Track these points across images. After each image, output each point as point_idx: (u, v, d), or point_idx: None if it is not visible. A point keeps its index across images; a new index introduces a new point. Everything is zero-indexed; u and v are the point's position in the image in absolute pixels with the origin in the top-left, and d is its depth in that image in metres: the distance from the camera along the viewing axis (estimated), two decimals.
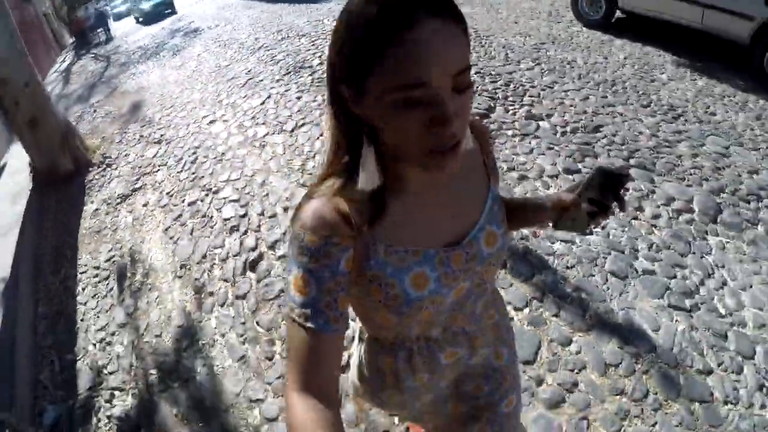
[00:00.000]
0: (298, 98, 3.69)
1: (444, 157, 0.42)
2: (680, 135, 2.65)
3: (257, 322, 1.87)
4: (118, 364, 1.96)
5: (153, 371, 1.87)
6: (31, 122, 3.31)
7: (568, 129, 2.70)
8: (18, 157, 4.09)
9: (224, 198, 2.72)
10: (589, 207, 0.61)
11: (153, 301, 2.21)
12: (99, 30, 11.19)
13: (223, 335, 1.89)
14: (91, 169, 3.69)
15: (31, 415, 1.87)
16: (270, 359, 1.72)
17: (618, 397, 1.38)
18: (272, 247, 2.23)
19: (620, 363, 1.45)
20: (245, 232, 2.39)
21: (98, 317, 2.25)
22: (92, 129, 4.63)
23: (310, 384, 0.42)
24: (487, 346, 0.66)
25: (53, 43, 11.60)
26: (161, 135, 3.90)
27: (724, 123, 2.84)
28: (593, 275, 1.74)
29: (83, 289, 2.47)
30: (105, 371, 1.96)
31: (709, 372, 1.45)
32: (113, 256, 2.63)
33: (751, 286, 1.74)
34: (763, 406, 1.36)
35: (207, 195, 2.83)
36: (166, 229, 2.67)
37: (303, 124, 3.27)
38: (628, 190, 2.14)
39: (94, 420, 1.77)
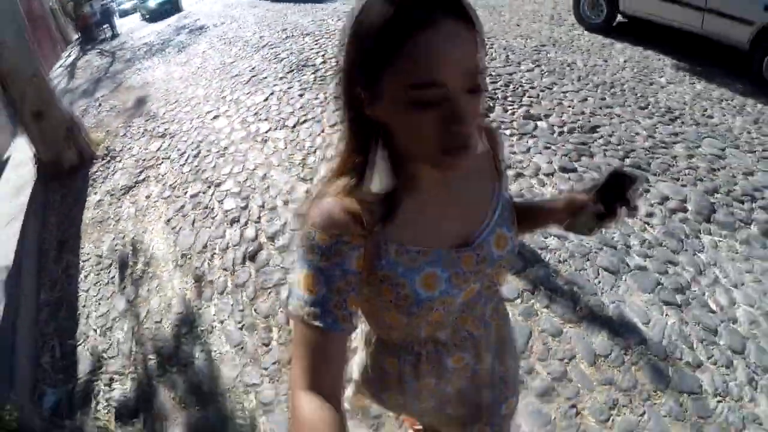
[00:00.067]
0: (301, 95, 3.74)
1: (457, 157, 0.42)
2: (676, 137, 2.69)
3: (255, 310, 1.91)
4: (118, 349, 1.99)
5: (152, 357, 1.91)
6: (37, 114, 3.36)
7: (565, 129, 2.73)
8: (21, 150, 4.13)
9: (226, 191, 2.77)
10: (599, 207, 0.60)
11: (153, 289, 2.25)
12: (104, 26, 11.29)
13: (221, 322, 1.93)
14: (95, 161, 3.74)
15: (31, 399, 1.91)
16: (267, 345, 1.75)
17: (607, 387, 1.41)
18: (272, 238, 2.27)
19: (610, 354, 1.48)
20: (245, 224, 2.43)
21: (99, 304, 2.29)
22: (97, 123, 4.68)
23: (317, 383, 0.42)
24: (493, 353, 0.66)
25: (59, 39, 11.70)
26: (165, 129, 3.95)
27: (721, 126, 2.87)
28: (585, 269, 1.77)
29: (85, 277, 2.51)
30: (105, 356, 1.99)
31: (699, 365, 1.48)
32: (115, 245, 2.67)
33: (743, 284, 1.76)
34: (752, 400, 1.38)
35: (209, 188, 2.87)
36: (168, 220, 2.71)
37: (305, 121, 3.31)
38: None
39: (94, 403, 1.80)
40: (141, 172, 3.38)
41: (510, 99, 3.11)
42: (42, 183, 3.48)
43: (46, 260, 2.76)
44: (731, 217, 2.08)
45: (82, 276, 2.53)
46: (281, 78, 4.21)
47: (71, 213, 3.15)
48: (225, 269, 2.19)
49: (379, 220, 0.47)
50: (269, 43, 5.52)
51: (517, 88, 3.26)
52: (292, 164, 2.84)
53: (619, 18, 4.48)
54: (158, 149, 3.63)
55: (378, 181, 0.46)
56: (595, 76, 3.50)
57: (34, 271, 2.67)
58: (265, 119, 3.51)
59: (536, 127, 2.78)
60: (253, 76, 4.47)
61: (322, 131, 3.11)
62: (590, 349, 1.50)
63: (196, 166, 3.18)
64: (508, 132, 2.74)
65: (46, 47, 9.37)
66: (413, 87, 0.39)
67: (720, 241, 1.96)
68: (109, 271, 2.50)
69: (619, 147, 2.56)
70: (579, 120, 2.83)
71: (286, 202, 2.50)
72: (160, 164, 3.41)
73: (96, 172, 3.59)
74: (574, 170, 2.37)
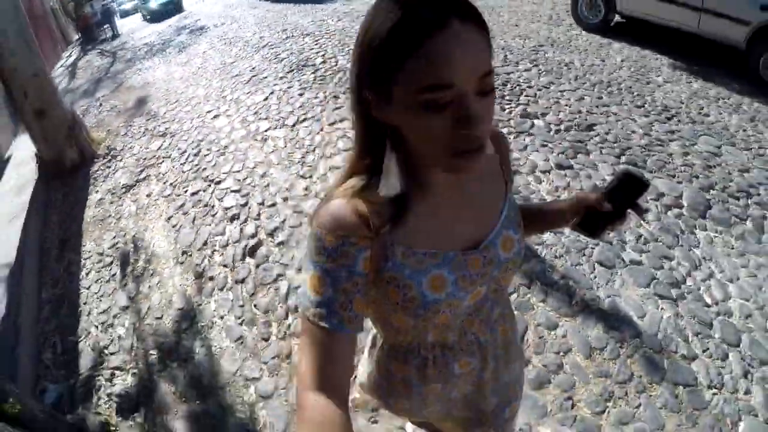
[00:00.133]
0: (301, 95, 3.77)
1: (469, 159, 0.42)
2: (673, 134, 2.71)
3: (255, 305, 1.93)
4: (120, 345, 2.01)
5: (153, 352, 1.92)
6: (39, 113, 3.39)
7: (562, 127, 2.76)
8: (22, 149, 4.16)
9: (226, 188, 2.79)
10: (608, 206, 0.60)
11: (154, 286, 2.27)
12: (105, 26, 11.33)
13: (221, 317, 1.95)
14: (96, 160, 3.77)
15: (32, 395, 1.92)
16: (266, 340, 1.77)
17: (602, 379, 1.43)
18: (271, 234, 2.29)
19: (605, 347, 1.50)
20: (245, 221, 2.45)
21: (101, 301, 2.31)
22: (98, 122, 4.71)
23: (323, 383, 0.42)
24: (499, 358, 0.66)
25: (59, 39, 11.74)
26: (166, 128, 3.98)
27: (717, 124, 2.89)
28: (581, 264, 1.79)
29: (87, 275, 2.53)
30: (106, 352, 2.01)
31: (694, 358, 1.49)
32: (117, 243, 2.69)
33: (738, 279, 1.78)
34: (748, 392, 1.39)
35: (209, 186, 2.89)
36: (169, 218, 2.73)
37: (304, 120, 3.34)
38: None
39: (95, 398, 1.82)
40: (142, 170, 3.40)
41: (507, 98, 3.14)
42: (43, 182, 3.50)
43: (47, 258, 2.78)
44: (726, 213, 2.10)
45: (83, 273, 2.55)
46: (281, 78, 4.24)
47: (73, 211, 3.17)
48: (225, 265, 2.21)
49: (387, 222, 0.47)
50: (269, 44, 5.55)
51: (515, 88, 3.29)
52: (292, 162, 2.87)
53: (617, 18, 4.51)
54: (159, 148, 3.66)
55: (387, 183, 0.46)
56: (593, 75, 3.53)
57: (35, 269, 2.69)
58: (265, 118, 3.53)
59: (533, 125, 2.80)
60: (254, 76, 4.50)
61: (321, 130, 3.14)
62: (586, 342, 1.52)
63: (197, 164, 3.20)
64: (505, 130, 2.76)
65: (47, 47, 9.40)
66: (425, 89, 0.39)
67: (715, 236, 1.98)
68: (111, 269, 2.52)
69: (615, 144, 2.58)
70: (576, 118, 2.85)
71: (285, 199, 2.52)
72: (160, 163, 3.43)
73: (97, 170, 3.62)
74: (571, 167, 2.39)
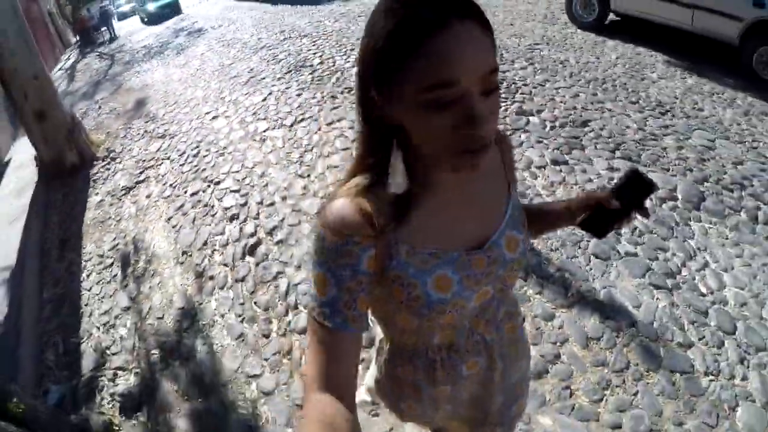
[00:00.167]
0: (299, 95, 3.79)
1: (474, 158, 0.42)
2: (667, 129, 2.74)
3: (255, 303, 1.95)
4: (122, 345, 2.02)
5: (155, 351, 1.94)
6: (39, 115, 3.40)
7: (557, 124, 2.79)
8: (22, 152, 4.18)
9: (225, 189, 2.81)
10: (616, 204, 0.60)
11: (155, 286, 2.28)
12: (103, 29, 11.36)
13: (222, 316, 1.96)
14: (96, 162, 3.78)
15: (35, 395, 1.93)
16: (267, 337, 1.79)
17: (600, 368, 1.45)
18: (270, 233, 2.31)
19: (601, 337, 1.52)
20: (245, 220, 2.47)
21: (102, 302, 2.32)
22: (97, 125, 4.73)
23: (328, 382, 0.43)
24: (506, 358, 0.65)
25: (57, 42, 11.76)
26: (165, 130, 4.00)
27: (711, 118, 2.92)
28: (576, 257, 1.82)
29: (88, 276, 2.54)
30: (108, 352, 2.02)
31: (690, 345, 1.51)
32: (117, 244, 2.70)
33: (732, 268, 1.80)
34: (744, 378, 1.42)
35: (209, 186, 2.91)
36: (169, 219, 2.75)
37: (302, 120, 3.36)
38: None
39: (98, 398, 1.83)
40: (141, 172, 3.41)
41: (503, 96, 3.16)
42: (43, 184, 3.52)
43: (48, 259, 2.79)
44: (720, 204, 2.12)
45: (84, 274, 2.56)
46: (279, 78, 4.27)
47: (73, 213, 3.19)
48: (225, 264, 2.22)
49: (391, 221, 0.47)
50: (267, 45, 5.58)
51: (511, 86, 3.32)
52: (290, 162, 2.89)
53: (613, 16, 4.54)
54: (158, 150, 3.67)
55: (397, 183, 0.47)
56: (587, 72, 3.56)
57: (36, 271, 2.70)
58: (264, 119, 3.56)
59: (528, 122, 2.83)
60: (252, 77, 4.53)
61: (319, 129, 3.16)
62: (582, 332, 1.54)
63: (196, 165, 3.22)
64: (501, 127, 2.78)
65: (45, 50, 9.42)
66: (428, 88, 0.39)
67: (710, 227, 2.00)
68: (111, 270, 2.53)
69: (609, 140, 2.61)
70: (570, 115, 2.88)
71: (284, 198, 2.54)
72: (160, 164, 3.45)
73: (97, 173, 3.63)
74: (566, 163, 2.42)
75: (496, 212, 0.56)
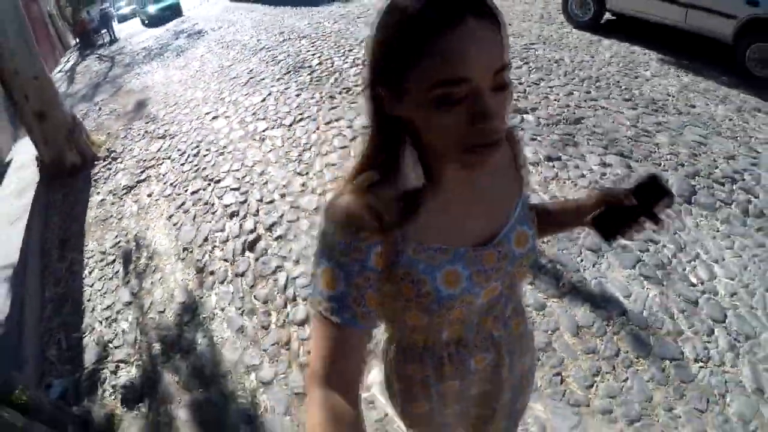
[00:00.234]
0: (298, 95, 3.84)
1: (483, 154, 0.42)
2: (660, 126, 2.78)
3: (254, 296, 1.99)
4: (124, 339, 2.06)
5: (156, 344, 1.97)
6: (40, 115, 3.44)
7: (551, 121, 2.83)
8: (22, 152, 4.22)
9: (225, 187, 2.85)
10: (633, 201, 0.58)
11: (157, 282, 2.32)
12: (103, 31, 11.41)
13: (222, 309, 2.00)
14: (96, 162, 3.83)
15: (38, 390, 1.97)
16: (266, 328, 1.83)
17: (590, 355, 1.48)
18: (269, 229, 2.35)
19: (592, 325, 1.56)
20: (244, 217, 2.51)
21: (104, 297, 2.36)
22: (97, 126, 4.77)
23: (333, 379, 0.42)
24: (513, 354, 0.66)
25: (57, 43, 11.81)
26: (165, 131, 4.04)
27: (703, 114, 2.96)
28: (568, 249, 1.85)
29: (90, 273, 2.58)
30: (111, 346, 2.06)
31: (680, 334, 1.55)
32: (119, 242, 2.74)
33: (723, 259, 1.83)
34: (734, 365, 1.44)
35: (209, 185, 2.95)
36: (170, 217, 2.79)
37: (301, 119, 3.41)
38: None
39: (100, 391, 1.86)
40: (142, 171, 3.46)
41: None
42: (44, 184, 3.56)
43: (50, 258, 2.83)
44: (712, 198, 2.16)
45: (86, 272, 2.60)
46: (278, 79, 4.32)
47: (74, 212, 3.23)
48: (225, 260, 2.26)
49: (399, 217, 0.47)
50: (266, 46, 5.64)
51: None
52: (289, 160, 2.93)
53: (608, 16, 4.59)
54: (159, 150, 3.72)
55: (407, 179, 0.47)
56: (582, 71, 3.60)
57: (38, 269, 2.74)
58: (263, 119, 3.60)
59: (523, 119, 2.87)
60: (251, 78, 4.58)
61: (318, 128, 3.21)
62: (573, 321, 1.57)
63: (196, 164, 3.27)
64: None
65: (45, 52, 9.47)
66: (441, 84, 0.39)
67: (701, 220, 2.04)
68: (113, 267, 2.57)
69: (602, 136, 2.65)
70: (564, 112, 2.92)
71: (283, 196, 2.58)
72: (160, 164, 3.49)
73: (98, 172, 3.68)
74: (559, 159, 2.46)
75: (505, 208, 0.56)
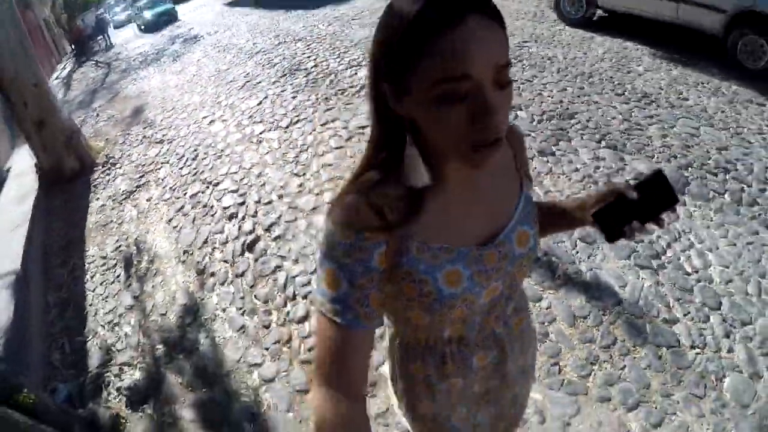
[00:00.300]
0: (294, 98, 3.87)
1: (486, 152, 0.42)
2: (652, 119, 2.81)
3: (255, 296, 2.01)
4: (127, 342, 2.08)
5: (159, 346, 1.99)
6: (39, 122, 3.47)
7: (544, 117, 2.86)
8: (21, 161, 4.24)
9: (224, 189, 2.87)
10: (634, 195, 0.56)
11: (158, 285, 2.34)
12: (99, 38, 11.40)
13: (223, 310, 2.02)
14: (96, 168, 3.85)
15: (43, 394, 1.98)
16: (267, 327, 1.85)
17: (587, 344, 1.51)
18: (268, 229, 2.37)
19: (588, 315, 1.58)
20: (243, 218, 2.53)
21: (106, 302, 2.38)
22: (95, 132, 4.80)
23: (337, 380, 0.42)
24: (515, 350, 0.66)
25: (53, 51, 11.80)
26: (163, 135, 4.06)
27: (695, 107, 3.00)
28: (563, 241, 1.88)
29: (91, 278, 2.60)
30: (114, 349, 2.07)
31: (675, 321, 1.57)
32: (119, 246, 2.76)
33: (717, 248, 1.86)
34: (731, 350, 1.47)
35: (207, 188, 2.97)
36: (170, 220, 2.81)
37: (297, 121, 3.44)
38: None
39: (105, 393, 1.88)
40: (141, 176, 3.48)
41: None
42: (44, 191, 3.58)
43: (51, 264, 2.84)
44: (705, 188, 2.19)
45: (88, 277, 2.62)
46: (274, 82, 4.35)
47: (74, 218, 3.25)
48: (225, 261, 2.28)
49: (403, 216, 0.46)
50: (262, 50, 5.67)
51: None
52: (286, 161, 2.96)
53: (600, 12, 4.63)
54: (157, 154, 3.74)
55: (416, 176, 0.47)
56: (575, 67, 3.64)
57: (40, 275, 2.75)
58: (260, 121, 3.63)
59: (516, 116, 2.91)
60: (248, 82, 4.61)
61: (314, 130, 3.24)
62: (569, 311, 1.60)
63: (195, 168, 3.29)
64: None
65: (41, 59, 9.48)
66: (443, 81, 0.39)
67: (694, 210, 2.07)
68: (115, 271, 2.59)
69: (595, 130, 2.68)
70: (557, 108, 2.96)
71: (280, 197, 2.61)
72: (159, 169, 3.51)
73: (97, 178, 3.70)
74: (552, 154, 2.49)
75: (507, 207, 0.55)
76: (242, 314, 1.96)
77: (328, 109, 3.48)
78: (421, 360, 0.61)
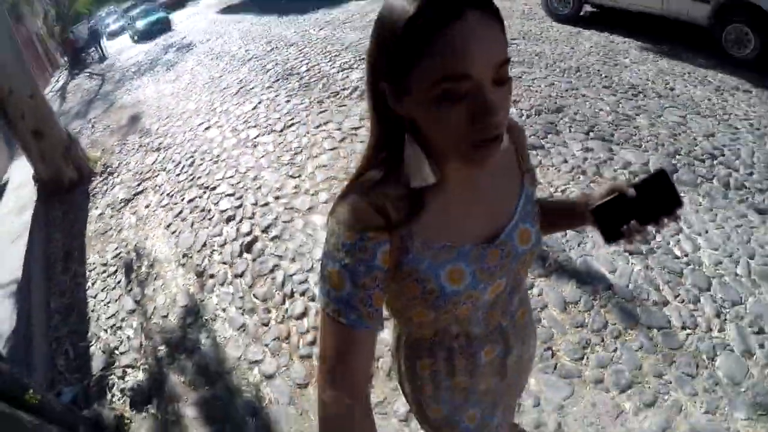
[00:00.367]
0: (287, 102, 3.92)
1: (487, 149, 0.42)
2: (639, 109, 2.86)
3: (254, 295, 2.04)
4: (129, 345, 2.11)
5: (161, 347, 2.02)
6: (36, 134, 3.50)
7: (533, 111, 2.91)
8: (19, 173, 4.27)
9: (221, 193, 2.91)
10: (632, 192, 0.55)
11: (159, 288, 2.37)
12: (91, 49, 11.33)
13: (223, 310, 2.05)
14: (93, 178, 3.88)
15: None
16: (266, 325, 1.88)
17: (579, 329, 1.54)
18: (265, 230, 2.41)
19: (579, 301, 1.62)
20: (241, 221, 2.57)
21: (108, 307, 2.41)
22: (92, 142, 4.84)
23: (341, 380, 0.43)
24: (519, 343, 0.67)
25: (47, 63, 11.77)
26: (159, 143, 4.11)
27: (682, 96, 3.04)
28: None
29: (93, 284, 2.63)
30: (117, 352, 2.10)
31: (666, 303, 1.60)
32: (119, 253, 2.80)
33: (707, 232, 1.89)
34: (722, 330, 1.50)
35: (205, 192, 3.01)
36: (168, 225, 2.85)
37: (292, 124, 3.48)
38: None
39: (109, 395, 1.91)
40: (139, 184, 3.52)
41: None
42: (43, 201, 3.61)
43: (53, 272, 2.87)
44: (693, 175, 2.23)
45: (89, 283, 2.65)
46: (268, 87, 4.40)
47: (74, 227, 3.28)
48: (224, 262, 2.32)
49: (405, 215, 0.47)
50: (255, 56, 5.73)
51: None
52: (281, 164, 3.00)
53: (589, 8, 4.68)
54: (154, 162, 3.78)
55: (417, 176, 0.46)
56: (563, 62, 3.69)
57: (42, 283, 2.78)
58: (255, 126, 3.67)
59: None
60: (241, 88, 4.66)
61: (308, 132, 3.28)
62: (561, 297, 1.63)
63: (191, 174, 3.33)
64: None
65: (36, 71, 9.51)
66: (443, 80, 0.39)
67: (683, 196, 2.09)
68: (115, 277, 2.62)
69: (583, 122, 2.73)
70: (546, 103, 3.00)
71: (277, 198, 2.65)
72: (156, 176, 3.55)
73: (95, 187, 3.73)
74: (542, 147, 2.53)
75: (508, 205, 0.55)
76: (242, 313, 1.99)
77: (322, 112, 3.53)
78: (428, 355, 0.61)
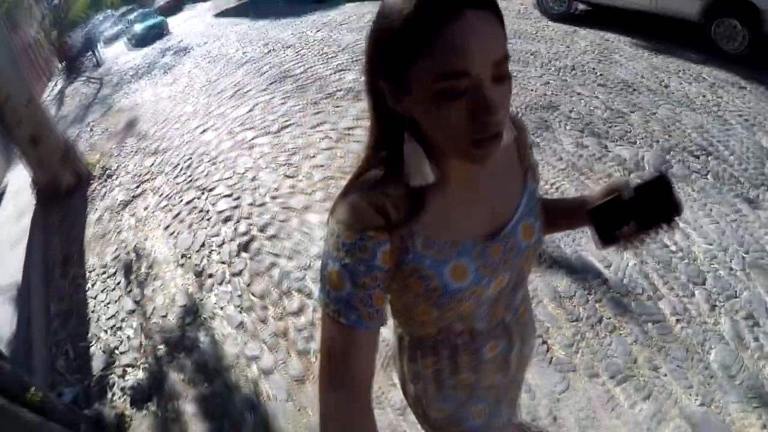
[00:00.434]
0: (283, 104, 3.94)
1: (487, 147, 0.42)
2: (634, 107, 2.88)
3: (252, 293, 2.06)
4: (129, 344, 2.12)
5: (161, 346, 2.04)
6: (33, 139, 3.52)
7: (527, 109, 2.93)
8: (17, 179, 4.29)
9: (218, 194, 2.93)
10: (631, 192, 0.54)
11: (158, 288, 2.39)
12: (88, 54, 11.34)
13: (222, 308, 2.07)
14: (92, 181, 3.90)
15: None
16: (264, 322, 1.90)
17: (574, 323, 1.56)
18: (262, 230, 2.43)
19: (574, 295, 1.63)
20: (238, 221, 2.59)
21: (108, 308, 2.42)
22: (90, 146, 4.86)
23: (342, 380, 0.43)
24: (521, 339, 0.66)
25: (43, 69, 11.74)
26: (157, 146, 4.13)
27: (677, 93, 3.06)
28: None
29: (92, 286, 2.64)
30: (117, 352, 2.12)
31: (660, 297, 1.61)
32: (118, 254, 2.81)
33: (701, 226, 1.90)
34: (716, 323, 1.50)
35: (203, 194, 3.03)
36: (167, 227, 2.86)
37: (287, 126, 3.51)
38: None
39: (109, 394, 1.92)
40: (137, 186, 3.53)
41: None
42: (41, 206, 3.63)
43: (52, 276, 2.89)
44: (686, 170, 2.25)
45: (89, 285, 2.67)
46: (264, 90, 4.43)
47: (72, 231, 3.29)
48: (222, 262, 2.33)
49: (405, 215, 0.46)
50: (252, 59, 5.76)
51: None
52: (278, 165, 3.02)
53: (584, 7, 4.71)
54: (152, 165, 3.80)
55: (421, 174, 0.46)
56: (558, 61, 3.71)
57: (42, 287, 2.80)
58: (251, 128, 3.70)
59: None
60: (237, 91, 4.69)
61: (303, 133, 3.31)
62: (555, 292, 1.65)
63: (189, 176, 3.35)
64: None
65: (32, 78, 9.51)
66: (442, 77, 0.39)
67: (677, 191, 2.12)
68: (115, 278, 2.63)
69: (577, 120, 2.75)
70: (540, 101, 3.02)
71: (273, 198, 2.67)
72: (155, 178, 3.57)
73: (94, 191, 3.75)
74: (537, 145, 2.55)
75: (510, 201, 0.55)
76: (240, 311, 2.00)
77: (317, 113, 3.55)
78: (431, 354, 0.61)
